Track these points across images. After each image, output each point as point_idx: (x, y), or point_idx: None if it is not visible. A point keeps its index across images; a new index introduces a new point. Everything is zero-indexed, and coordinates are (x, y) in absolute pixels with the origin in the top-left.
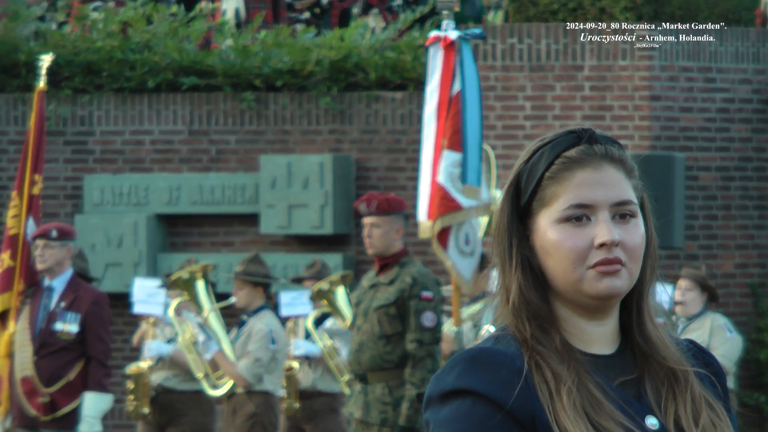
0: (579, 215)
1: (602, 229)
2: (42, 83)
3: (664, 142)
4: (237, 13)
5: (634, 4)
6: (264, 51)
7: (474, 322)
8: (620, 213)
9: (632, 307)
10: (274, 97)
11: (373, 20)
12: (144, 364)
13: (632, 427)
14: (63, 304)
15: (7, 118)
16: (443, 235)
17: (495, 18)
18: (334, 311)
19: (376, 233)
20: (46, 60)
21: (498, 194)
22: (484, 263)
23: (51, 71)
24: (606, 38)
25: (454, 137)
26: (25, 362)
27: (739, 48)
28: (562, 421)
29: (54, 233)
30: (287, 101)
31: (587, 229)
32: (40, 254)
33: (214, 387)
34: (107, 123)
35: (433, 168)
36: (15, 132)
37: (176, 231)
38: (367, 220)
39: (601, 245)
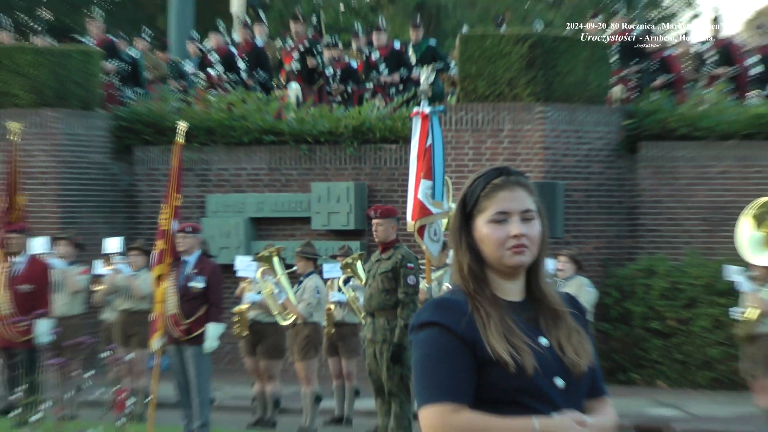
0: (500, 219)
1: (514, 227)
2: (180, 140)
3: (552, 175)
4: (297, 97)
5: (535, 91)
6: (313, 120)
7: (438, 282)
8: (525, 217)
9: (532, 272)
10: (319, 148)
11: (378, 101)
12: (244, 307)
13: (532, 344)
14: (194, 271)
15: (160, 160)
16: (421, 230)
17: (451, 99)
18: (355, 275)
19: (380, 229)
20: (182, 126)
21: (453, 206)
22: (445, 246)
23: (186, 132)
24: (518, 112)
25: (427, 172)
26: (172, 305)
27: (597, 118)
28: (491, 341)
29: (189, 229)
30: (327, 150)
31: (506, 227)
32: (180, 242)
33: (284, 319)
34: (219, 163)
35: (415, 190)
36: (164, 169)
37: (261, 228)
38: (374, 221)
39: (514, 236)
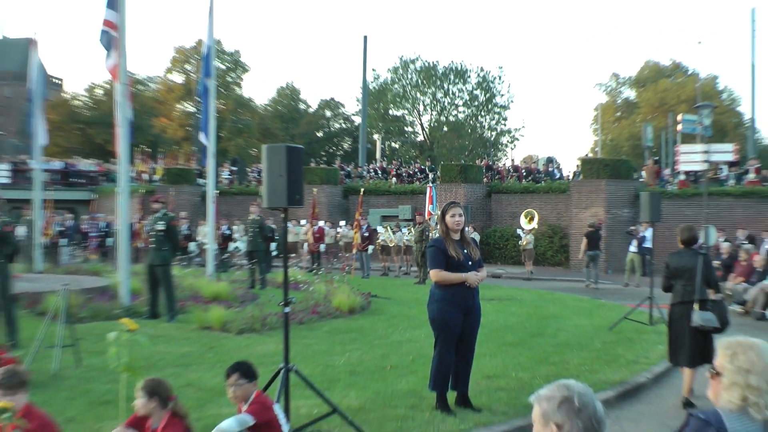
0: (453, 215)
1: (457, 219)
2: (361, 193)
3: (466, 204)
4: (395, 181)
5: (462, 180)
6: (400, 188)
7: (435, 234)
8: (461, 215)
9: (462, 231)
10: (400, 197)
11: (417, 184)
12: (379, 240)
13: (461, 251)
14: (364, 230)
15: (356, 199)
16: (428, 219)
17: (439, 182)
18: (411, 232)
19: (418, 218)
20: (362, 189)
21: (438, 212)
22: (436, 224)
23: (363, 191)
24: (457, 187)
25: (430, 202)
26: (358, 241)
27: (478, 187)
28: (449, 249)
29: (363, 219)
30: (404, 197)
31: (454, 218)
32: (361, 222)
33: (390, 245)
34: (374, 200)
35: (427, 207)
36: (356, 202)
37: (384, 219)
38: (417, 217)
39: (456, 222)
